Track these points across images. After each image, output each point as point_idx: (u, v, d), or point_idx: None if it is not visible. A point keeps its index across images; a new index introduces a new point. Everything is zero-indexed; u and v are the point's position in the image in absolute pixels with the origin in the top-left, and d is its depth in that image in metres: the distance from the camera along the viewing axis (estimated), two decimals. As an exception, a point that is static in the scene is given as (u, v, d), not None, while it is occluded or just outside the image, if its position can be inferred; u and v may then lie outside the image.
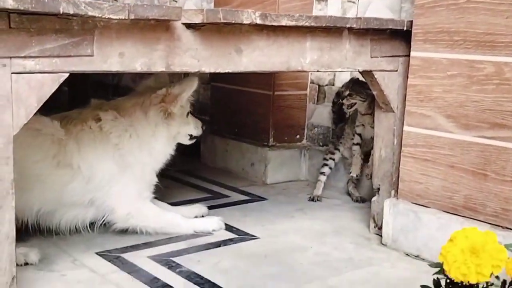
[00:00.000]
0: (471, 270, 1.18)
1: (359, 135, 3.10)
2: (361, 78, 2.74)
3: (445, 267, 1.23)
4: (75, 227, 2.46)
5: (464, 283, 1.23)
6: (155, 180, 2.61)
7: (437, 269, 1.31)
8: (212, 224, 2.60)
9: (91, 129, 2.43)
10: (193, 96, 2.64)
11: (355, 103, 2.95)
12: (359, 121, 3.07)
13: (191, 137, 2.72)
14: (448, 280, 1.29)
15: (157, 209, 2.57)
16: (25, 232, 2.32)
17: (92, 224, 2.50)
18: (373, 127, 2.72)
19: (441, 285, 1.33)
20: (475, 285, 1.25)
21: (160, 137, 2.54)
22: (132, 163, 2.47)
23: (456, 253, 1.20)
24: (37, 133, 2.31)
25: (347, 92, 2.94)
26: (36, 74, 1.68)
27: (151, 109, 2.51)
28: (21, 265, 2.11)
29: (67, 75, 1.74)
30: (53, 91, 1.73)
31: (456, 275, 1.20)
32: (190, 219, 2.62)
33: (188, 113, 2.67)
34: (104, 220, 2.48)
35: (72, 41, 1.72)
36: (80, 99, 2.63)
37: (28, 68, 1.66)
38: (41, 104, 1.71)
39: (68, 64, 1.73)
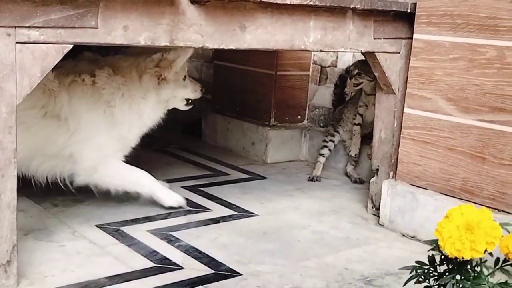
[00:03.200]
0: (466, 246, 1.20)
1: (361, 115, 3.12)
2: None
3: (440, 242, 1.25)
4: (51, 178, 2.44)
5: (458, 259, 1.26)
6: (135, 143, 2.57)
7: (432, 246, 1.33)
8: (171, 199, 2.54)
9: (84, 82, 2.40)
10: (188, 61, 2.61)
11: (362, 82, 2.97)
12: (363, 101, 3.09)
13: (188, 102, 2.67)
14: (442, 256, 1.31)
15: (126, 168, 2.52)
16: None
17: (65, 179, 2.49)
18: (376, 108, 2.73)
19: (435, 261, 1.35)
20: (469, 261, 1.27)
21: (151, 101, 2.51)
22: (121, 122, 2.45)
23: (451, 229, 1.22)
24: None
25: (356, 71, 2.96)
26: (41, 45, 1.69)
27: (146, 72, 2.49)
28: None
29: (71, 46, 1.75)
30: (56, 62, 1.74)
31: (450, 251, 1.22)
32: (157, 184, 2.56)
33: (185, 77, 2.61)
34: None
35: (77, 12, 1.73)
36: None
37: (33, 38, 1.67)
38: (45, 74, 1.72)
39: (73, 35, 1.74)
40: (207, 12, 1.98)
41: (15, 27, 1.64)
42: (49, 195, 2.44)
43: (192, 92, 2.64)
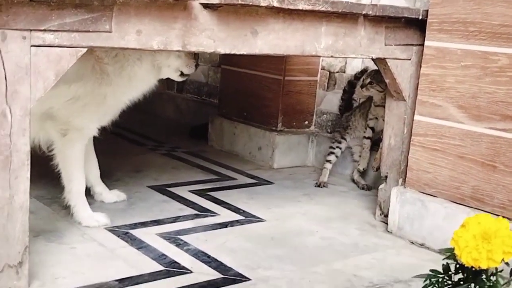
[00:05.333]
0: (482, 255, 1.20)
1: (372, 128, 3.12)
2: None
3: (456, 251, 1.24)
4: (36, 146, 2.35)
5: (474, 268, 1.25)
6: (117, 112, 2.48)
7: (446, 255, 1.33)
8: (91, 220, 2.37)
9: None
10: None
11: (373, 92, 2.98)
12: (372, 114, 3.09)
13: (182, 74, 2.56)
14: (457, 265, 1.31)
15: (80, 160, 2.39)
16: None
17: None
18: (385, 120, 2.73)
19: (450, 270, 1.35)
20: (485, 271, 1.27)
21: (145, 63, 2.40)
22: (108, 82, 2.34)
23: (468, 239, 1.22)
24: None
25: (368, 80, 2.97)
26: (55, 48, 1.70)
27: None
28: None
29: (85, 50, 1.76)
30: (70, 65, 1.74)
31: (467, 260, 1.22)
32: (83, 199, 2.40)
33: None
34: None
35: (92, 16, 1.73)
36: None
37: (48, 42, 1.68)
38: (59, 78, 1.73)
39: (87, 39, 1.74)
40: (219, 17, 1.99)
41: (30, 30, 1.64)
42: (58, 197, 2.44)
43: (185, 65, 2.54)
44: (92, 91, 2.32)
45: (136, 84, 2.43)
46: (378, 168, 2.90)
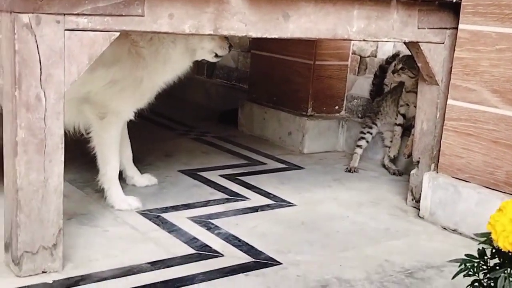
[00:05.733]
0: (520, 239, 1.19)
1: (403, 115, 3.08)
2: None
3: (493, 236, 1.23)
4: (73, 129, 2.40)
5: (511, 253, 1.24)
6: (152, 95, 2.49)
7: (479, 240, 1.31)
8: (124, 203, 2.40)
9: None
10: None
11: (404, 77, 2.94)
12: (403, 100, 3.06)
13: (216, 55, 2.56)
14: (494, 250, 1.29)
15: (116, 143, 2.43)
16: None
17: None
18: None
19: (486, 255, 1.33)
20: (522, 255, 1.25)
21: (179, 46, 2.40)
22: (144, 65, 2.35)
23: (505, 223, 1.21)
24: None
25: (400, 66, 2.94)
26: (88, 32, 1.71)
27: None
28: None
29: (118, 34, 1.77)
30: (104, 49, 1.76)
31: (504, 244, 1.21)
32: (117, 183, 2.44)
33: None
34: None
35: (124, 0, 1.74)
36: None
37: (81, 26, 1.69)
38: (92, 62, 1.74)
39: (119, 23, 1.75)
40: (251, 1, 1.98)
41: (64, 14, 1.66)
42: (91, 181, 2.47)
43: (219, 47, 2.54)
44: (129, 74, 2.34)
45: (171, 67, 2.44)
46: (409, 155, 2.87)
